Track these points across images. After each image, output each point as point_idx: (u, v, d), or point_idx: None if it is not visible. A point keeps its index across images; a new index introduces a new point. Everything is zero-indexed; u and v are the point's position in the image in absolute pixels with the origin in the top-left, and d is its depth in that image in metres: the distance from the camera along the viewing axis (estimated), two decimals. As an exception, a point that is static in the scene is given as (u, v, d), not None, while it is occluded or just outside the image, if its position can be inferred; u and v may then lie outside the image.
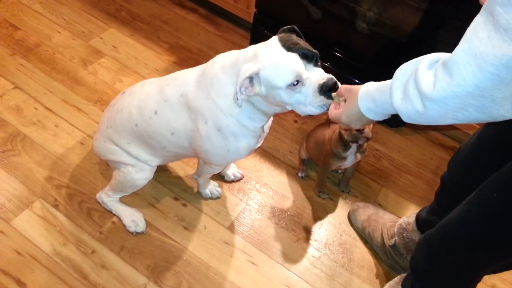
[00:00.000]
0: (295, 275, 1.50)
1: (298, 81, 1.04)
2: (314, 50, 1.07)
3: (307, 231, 1.61)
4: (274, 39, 1.09)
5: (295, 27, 1.14)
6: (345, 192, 1.75)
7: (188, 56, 2.13)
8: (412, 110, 0.76)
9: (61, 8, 2.23)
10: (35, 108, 1.81)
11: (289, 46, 1.05)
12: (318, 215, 1.66)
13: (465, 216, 1.02)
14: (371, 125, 1.41)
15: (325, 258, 1.55)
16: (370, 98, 0.88)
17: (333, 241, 1.60)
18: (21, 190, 1.56)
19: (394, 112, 0.84)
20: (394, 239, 1.48)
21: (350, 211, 1.66)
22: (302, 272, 1.51)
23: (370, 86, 0.90)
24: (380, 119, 0.92)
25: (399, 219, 1.55)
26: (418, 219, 1.43)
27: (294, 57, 1.04)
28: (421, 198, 1.78)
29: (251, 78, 1.06)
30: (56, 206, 1.53)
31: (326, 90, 1.05)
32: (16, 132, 1.71)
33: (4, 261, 1.39)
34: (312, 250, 1.57)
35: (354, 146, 1.51)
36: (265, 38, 2.30)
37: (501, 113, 0.67)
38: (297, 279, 1.49)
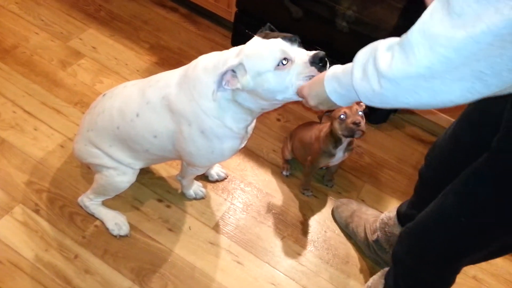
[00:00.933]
0: (280, 273, 1.51)
1: (286, 59, 1.00)
2: (294, 35, 1.05)
3: (292, 229, 1.62)
4: (255, 36, 1.10)
5: (271, 25, 1.13)
6: (328, 187, 1.76)
7: (169, 56, 2.12)
8: (369, 90, 0.76)
9: (38, 9, 2.19)
10: (14, 112, 1.77)
11: (270, 37, 1.06)
12: (302, 213, 1.68)
13: (442, 208, 1.04)
14: (364, 120, 1.41)
15: (310, 255, 1.57)
16: (335, 78, 0.88)
17: (317, 238, 1.62)
18: (0, 195, 1.52)
19: (356, 97, 0.83)
20: (376, 234, 1.51)
21: (334, 208, 1.68)
22: (287, 270, 1.52)
23: (337, 68, 0.90)
24: (344, 104, 0.90)
25: (381, 214, 1.57)
26: (399, 213, 1.45)
27: (277, 40, 1.03)
28: (403, 193, 1.81)
29: (233, 72, 1.04)
30: (37, 211, 1.51)
31: (318, 60, 1.00)
32: (-7, 137, 1.68)
33: (-16, 268, 1.36)
34: (297, 248, 1.58)
35: (344, 143, 1.52)
36: (247, 37, 2.29)
37: (450, 99, 0.68)
38: (283, 277, 1.50)
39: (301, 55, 1.02)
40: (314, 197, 1.73)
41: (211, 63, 1.13)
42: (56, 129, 1.74)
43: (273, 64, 1.00)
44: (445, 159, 1.19)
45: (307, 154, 1.62)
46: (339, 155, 1.57)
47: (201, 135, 1.19)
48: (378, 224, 1.51)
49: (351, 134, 1.41)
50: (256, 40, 1.08)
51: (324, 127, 1.57)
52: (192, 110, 1.16)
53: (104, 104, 1.33)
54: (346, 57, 2.18)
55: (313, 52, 1.02)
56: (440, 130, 2.00)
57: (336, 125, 1.45)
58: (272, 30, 1.13)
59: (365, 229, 1.56)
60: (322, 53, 1.01)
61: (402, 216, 1.43)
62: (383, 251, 1.50)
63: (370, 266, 1.57)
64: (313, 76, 1.00)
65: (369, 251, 1.56)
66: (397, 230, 1.44)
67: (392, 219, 1.47)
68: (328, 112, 1.45)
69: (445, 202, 1.03)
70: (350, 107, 1.42)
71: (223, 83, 1.05)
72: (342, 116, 1.42)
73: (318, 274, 1.52)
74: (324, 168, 1.79)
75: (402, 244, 1.19)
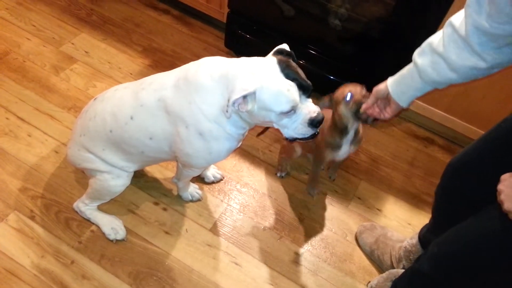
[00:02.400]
0: (278, 273, 1.50)
1: (293, 110, 1.10)
2: (309, 82, 1.12)
3: (289, 229, 1.62)
4: (273, 61, 1.09)
5: (292, 52, 1.15)
6: (331, 179, 1.76)
7: (163, 58, 2.11)
8: None
9: (30, 14, 2.18)
10: (7, 118, 1.76)
11: (288, 73, 1.07)
12: (299, 212, 1.68)
13: (488, 230, 0.99)
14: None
15: (308, 254, 1.57)
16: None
17: (315, 237, 1.62)
18: (-5, 203, 1.52)
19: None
20: (402, 263, 1.46)
21: (357, 233, 1.63)
22: (285, 270, 1.51)
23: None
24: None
25: (406, 239, 1.52)
26: (421, 238, 1.41)
27: (293, 87, 1.07)
28: (399, 189, 1.81)
29: (245, 96, 1.07)
30: (32, 218, 1.50)
31: (315, 124, 1.12)
32: (-13, 144, 1.67)
33: (-20, 277, 1.36)
34: (295, 247, 1.58)
35: (351, 132, 1.39)
36: (239, 37, 2.30)
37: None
38: (281, 277, 1.50)
39: (305, 112, 1.12)
40: (310, 196, 1.73)
41: (217, 72, 1.12)
42: (50, 134, 1.74)
43: (281, 110, 1.08)
44: (470, 183, 1.14)
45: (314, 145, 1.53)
46: (345, 148, 1.45)
47: (199, 137, 1.19)
48: (402, 253, 1.46)
49: (364, 115, 1.24)
50: (274, 72, 1.07)
51: (328, 116, 1.40)
52: (192, 113, 1.16)
53: (96, 108, 1.33)
54: (339, 55, 2.18)
55: (315, 113, 1.12)
56: (434, 125, 2.00)
57: (342, 108, 1.31)
58: (288, 55, 1.13)
59: (391, 257, 1.50)
60: (320, 117, 1.12)
61: (425, 241, 1.40)
62: None
63: (367, 264, 1.57)
64: (306, 133, 1.14)
65: None
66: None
67: (415, 246, 1.43)
68: (330, 99, 1.34)
69: (493, 225, 0.97)
70: (354, 87, 1.31)
71: (235, 105, 1.07)
72: (348, 98, 1.29)
73: (316, 273, 1.52)
74: (322, 168, 1.78)
75: (431, 257, 1.15)
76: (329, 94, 1.37)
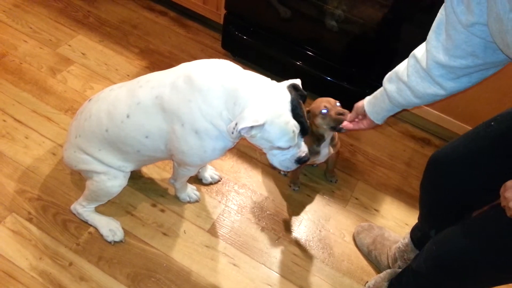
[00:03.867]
0: (277, 273, 1.51)
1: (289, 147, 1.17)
2: (310, 127, 1.23)
3: (287, 229, 1.63)
4: (286, 97, 1.12)
5: (305, 93, 1.19)
6: (332, 182, 1.77)
7: (160, 60, 2.11)
8: None
9: (26, 16, 2.17)
10: (4, 120, 1.76)
11: (296, 114, 1.12)
12: (297, 213, 1.68)
13: (490, 232, 0.99)
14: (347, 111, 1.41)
15: (306, 255, 1.57)
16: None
17: (312, 237, 1.62)
18: (-8, 205, 1.52)
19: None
20: (397, 263, 1.47)
21: (355, 233, 1.64)
22: (283, 270, 1.52)
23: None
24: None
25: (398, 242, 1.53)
26: (413, 237, 1.43)
27: (297, 129, 1.14)
28: (396, 189, 1.82)
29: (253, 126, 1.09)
30: (29, 220, 1.50)
31: (301, 162, 1.22)
32: (-16, 146, 1.67)
33: (-22, 279, 1.35)
34: (293, 248, 1.58)
35: (328, 139, 1.53)
36: (236, 39, 2.30)
37: None
38: (279, 278, 1.50)
39: (296, 151, 1.20)
40: (308, 196, 1.74)
41: (231, 84, 1.13)
42: (47, 136, 1.74)
43: (280, 145, 1.15)
44: (461, 182, 1.15)
45: None
46: (324, 151, 1.57)
47: (194, 135, 1.19)
48: (397, 254, 1.48)
49: (338, 124, 1.40)
50: (284, 110, 1.10)
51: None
52: (190, 111, 1.16)
53: (91, 109, 1.33)
54: (335, 56, 2.19)
55: (303, 153, 1.21)
56: (430, 125, 2.01)
57: (319, 120, 1.45)
58: (296, 88, 1.17)
59: (387, 257, 1.52)
60: (307, 158, 1.22)
61: (416, 239, 1.41)
62: None
63: (365, 264, 1.58)
64: (289, 167, 1.24)
65: None
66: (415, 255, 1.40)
67: (408, 245, 1.44)
68: (307, 111, 1.46)
69: (489, 227, 0.99)
70: (328, 101, 1.45)
71: (243, 132, 1.09)
72: (324, 111, 1.42)
73: (314, 274, 1.53)
74: (315, 166, 1.79)
75: (427, 256, 1.15)
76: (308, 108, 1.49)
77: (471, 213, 1.20)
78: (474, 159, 1.10)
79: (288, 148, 1.17)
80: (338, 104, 1.44)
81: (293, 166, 1.24)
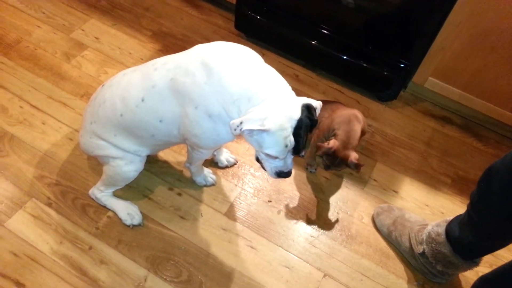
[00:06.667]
0: (294, 255, 1.50)
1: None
2: (303, 154, 1.36)
3: (304, 212, 1.61)
4: (296, 114, 1.10)
5: (316, 120, 1.17)
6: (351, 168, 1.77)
7: (173, 43, 2.09)
8: None
9: (39, 2, 2.17)
10: (21, 107, 1.77)
11: (296, 133, 1.11)
12: (314, 195, 1.66)
13: None
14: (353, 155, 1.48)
15: (323, 237, 1.56)
16: None
17: (330, 220, 1.61)
18: (12, 191, 1.54)
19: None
20: (422, 247, 1.43)
21: (374, 214, 1.62)
22: (301, 252, 1.51)
23: None
24: None
25: (425, 221, 1.49)
26: (449, 232, 1.36)
27: (291, 146, 1.13)
28: (416, 170, 1.78)
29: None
30: (49, 205, 1.52)
31: (280, 176, 1.23)
32: (2, 133, 1.68)
33: (1, 264, 1.38)
34: (310, 230, 1.57)
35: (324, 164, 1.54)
36: (249, 19, 2.24)
37: None
38: (297, 260, 1.50)
39: (280, 165, 1.20)
40: (325, 179, 1.71)
41: (250, 80, 1.12)
42: (64, 122, 1.75)
43: (268, 153, 1.14)
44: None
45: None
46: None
47: (208, 119, 1.18)
48: (424, 237, 1.42)
49: (330, 164, 1.50)
50: (289, 125, 1.10)
51: (328, 120, 1.58)
52: (204, 93, 1.15)
53: (105, 94, 1.32)
54: (352, 33, 2.12)
55: (286, 169, 1.22)
56: (451, 103, 1.95)
57: (318, 157, 1.52)
58: (309, 110, 1.14)
59: (409, 238, 1.48)
60: (287, 174, 1.23)
61: (453, 238, 1.34)
62: (429, 264, 1.43)
63: (384, 246, 1.56)
64: (270, 175, 1.26)
65: (415, 262, 1.49)
66: (446, 249, 1.35)
67: (441, 236, 1.37)
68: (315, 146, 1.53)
69: None
70: (355, 116, 1.55)
71: (246, 132, 1.09)
72: (325, 147, 1.47)
73: (332, 256, 1.52)
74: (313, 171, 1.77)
75: None
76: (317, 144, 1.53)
77: None
78: None
79: (275, 158, 1.16)
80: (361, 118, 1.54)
81: (272, 176, 1.24)
